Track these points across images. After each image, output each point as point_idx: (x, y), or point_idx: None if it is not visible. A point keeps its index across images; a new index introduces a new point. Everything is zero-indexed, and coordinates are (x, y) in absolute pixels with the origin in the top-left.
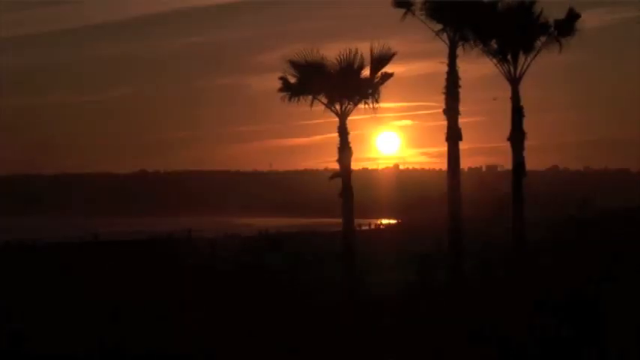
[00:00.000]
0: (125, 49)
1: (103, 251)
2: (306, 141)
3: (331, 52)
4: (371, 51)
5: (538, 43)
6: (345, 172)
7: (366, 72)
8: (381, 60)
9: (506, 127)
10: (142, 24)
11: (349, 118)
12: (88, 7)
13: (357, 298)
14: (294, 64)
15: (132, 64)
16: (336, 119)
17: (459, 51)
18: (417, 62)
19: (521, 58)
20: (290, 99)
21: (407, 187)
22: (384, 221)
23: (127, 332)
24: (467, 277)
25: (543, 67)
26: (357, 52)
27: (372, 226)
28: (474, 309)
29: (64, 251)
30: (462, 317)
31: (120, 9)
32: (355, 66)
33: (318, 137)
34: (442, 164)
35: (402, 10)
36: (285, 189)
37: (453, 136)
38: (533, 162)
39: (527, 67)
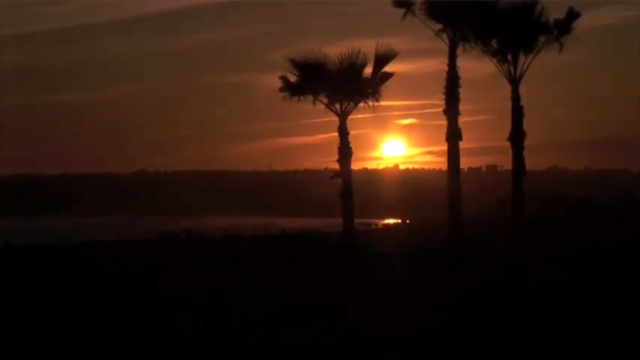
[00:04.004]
0: (129, 48)
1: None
2: (309, 140)
3: (342, 51)
4: (376, 51)
5: (538, 43)
6: (345, 171)
7: (367, 71)
8: (383, 60)
9: (507, 127)
10: (148, 22)
11: (352, 117)
12: (90, 5)
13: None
14: (295, 63)
15: (136, 62)
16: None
17: (460, 50)
18: (425, 60)
19: (521, 58)
20: (290, 98)
21: (407, 187)
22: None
23: None
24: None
25: (545, 66)
26: (359, 52)
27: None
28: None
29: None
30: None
31: (124, 7)
32: (356, 66)
33: (321, 136)
34: (445, 163)
35: (403, 10)
36: (285, 189)
37: (453, 135)
38: (533, 162)
39: (527, 67)
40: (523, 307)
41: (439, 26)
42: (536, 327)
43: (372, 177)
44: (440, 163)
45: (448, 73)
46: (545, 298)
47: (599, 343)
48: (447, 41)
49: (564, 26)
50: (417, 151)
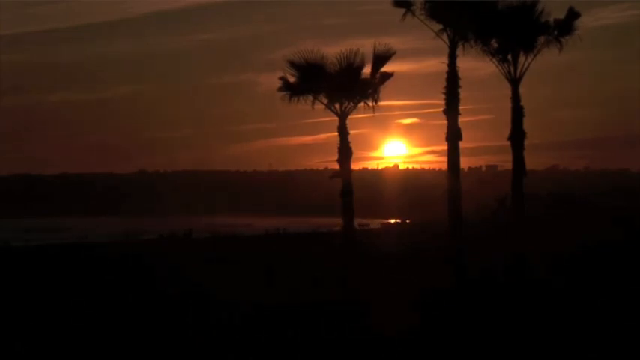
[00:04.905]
0: (129, 48)
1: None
2: (309, 140)
3: (342, 51)
4: (374, 50)
5: (538, 43)
6: (345, 171)
7: (366, 71)
8: (381, 59)
9: (507, 127)
10: (148, 22)
11: (352, 117)
12: (90, 5)
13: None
14: (294, 64)
15: (136, 62)
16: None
17: (460, 50)
18: (427, 59)
19: (522, 58)
20: (289, 99)
21: (407, 187)
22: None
23: None
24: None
25: (545, 66)
26: (357, 52)
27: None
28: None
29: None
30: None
31: (124, 7)
32: (355, 66)
33: (321, 136)
34: (446, 163)
35: (403, 10)
36: (285, 189)
37: (453, 135)
38: (533, 162)
39: (527, 67)
40: (521, 302)
41: (439, 26)
42: (532, 323)
43: (372, 177)
44: (441, 163)
45: (448, 73)
46: (543, 296)
47: (594, 340)
48: (447, 41)
49: (564, 26)
50: (419, 150)
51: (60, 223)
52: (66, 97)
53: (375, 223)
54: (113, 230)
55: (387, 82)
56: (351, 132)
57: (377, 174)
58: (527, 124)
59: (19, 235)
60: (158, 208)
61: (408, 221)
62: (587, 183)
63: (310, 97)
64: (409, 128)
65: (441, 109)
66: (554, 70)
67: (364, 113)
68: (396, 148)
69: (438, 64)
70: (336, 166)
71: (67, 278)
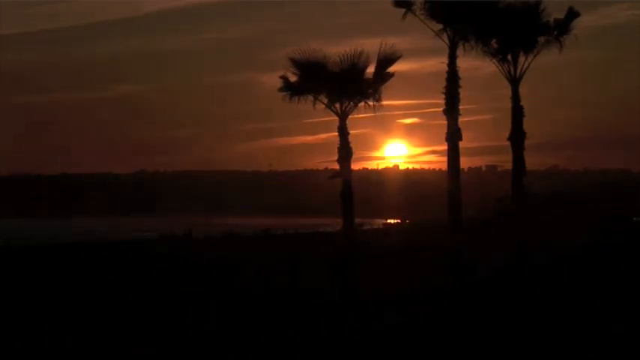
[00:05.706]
0: (129, 48)
1: None
2: (309, 140)
3: (344, 50)
4: (379, 51)
5: (538, 43)
6: (345, 172)
7: (368, 72)
8: (387, 61)
9: (507, 127)
10: (148, 22)
11: (353, 116)
12: (90, 5)
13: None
14: (295, 62)
15: (136, 62)
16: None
17: (461, 50)
18: (428, 59)
19: (522, 58)
20: (290, 99)
21: (407, 187)
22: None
23: None
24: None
25: (545, 66)
26: (362, 52)
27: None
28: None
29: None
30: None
31: (124, 7)
32: (358, 66)
33: (321, 136)
34: (446, 163)
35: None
36: (285, 189)
37: (453, 136)
38: (533, 162)
39: (527, 67)
40: (521, 302)
41: (439, 26)
42: (532, 323)
43: (372, 177)
44: (442, 163)
45: (448, 73)
46: (543, 295)
47: (594, 340)
48: (447, 41)
49: (564, 26)
50: (420, 150)
51: (60, 223)
52: (66, 96)
53: (375, 223)
54: (112, 230)
55: (387, 82)
56: (352, 132)
57: (377, 174)
58: (527, 124)
59: (20, 235)
60: (158, 208)
61: (407, 221)
62: (587, 183)
63: (311, 97)
64: (410, 128)
65: (441, 109)
66: (554, 70)
67: (365, 113)
68: (397, 148)
69: (438, 64)
70: (336, 166)
71: (67, 278)
